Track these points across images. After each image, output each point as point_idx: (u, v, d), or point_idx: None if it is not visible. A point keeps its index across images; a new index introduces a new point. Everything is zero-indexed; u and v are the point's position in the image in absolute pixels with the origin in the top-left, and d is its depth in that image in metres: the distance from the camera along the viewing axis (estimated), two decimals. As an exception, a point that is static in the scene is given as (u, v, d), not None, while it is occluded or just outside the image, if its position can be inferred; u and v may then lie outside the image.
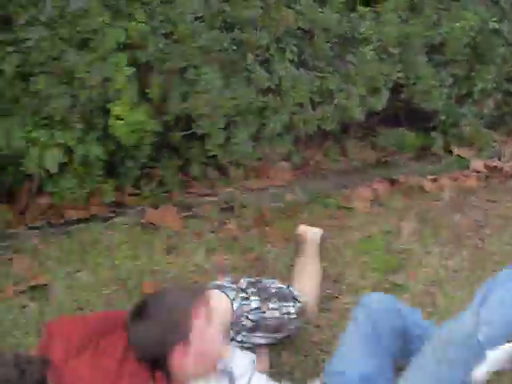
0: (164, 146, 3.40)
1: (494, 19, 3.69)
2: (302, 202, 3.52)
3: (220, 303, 2.26)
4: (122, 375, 1.92)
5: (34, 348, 2.19)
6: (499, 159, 4.03)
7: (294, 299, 2.49)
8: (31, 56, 2.70)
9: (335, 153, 3.88)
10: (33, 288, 2.80)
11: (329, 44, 3.28)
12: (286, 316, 2.43)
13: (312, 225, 3.12)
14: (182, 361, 1.95)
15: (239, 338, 2.32)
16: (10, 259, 2.97)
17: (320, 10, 3.19)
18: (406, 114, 3.89)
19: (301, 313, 2.50)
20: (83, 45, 2.79)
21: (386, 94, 3.53)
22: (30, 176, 3.12)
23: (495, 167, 3.94)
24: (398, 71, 3.47)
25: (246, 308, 2.32)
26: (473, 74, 3.79)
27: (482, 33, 3.70)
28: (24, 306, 2.71)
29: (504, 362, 2.34)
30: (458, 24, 3.44)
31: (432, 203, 3.60)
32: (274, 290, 2.47)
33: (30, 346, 2.42)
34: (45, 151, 2.88)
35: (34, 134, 2.83)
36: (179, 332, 1.93)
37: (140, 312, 2.00)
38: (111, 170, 3.33)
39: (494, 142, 4.12)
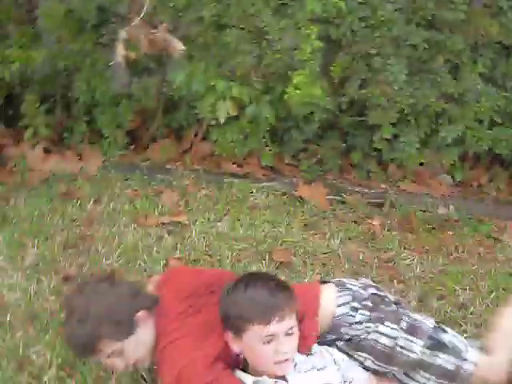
0: (331, 126, 3.43)
1: None
2: (453, 219, 3.41)
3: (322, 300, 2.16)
4: (207, 336, 1.98)
5: (152, 280, 2.33)
6: None
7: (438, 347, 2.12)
8: (229, 8, 2.81)
9: (501, 180, 3.70)
10: (173, 223, 2.97)
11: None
12: (399, 349, 2.09)
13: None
14: (233, 347, 1.98)
15: (340, 345, 2.16)
16: (161, 192, 3.16)
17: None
18: None
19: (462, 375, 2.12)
20: (280, 9, 2.86)
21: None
22: (200, 121, 3.27)
23: None
24: None
25: (348, 319, 2.13)
26: None
27: None
28: (161, 237, 2.88)
29: None
30: None
31: None
32: (406, 320, 2.14)
33: (154, 274, 2.57)
34: (219, 101, 3.00)
35: (213, 83, 2.95)
36: (250, 322, 1.93)
37: (236, 287, 2.03)
38: (276, 135, 3.42)
39: None
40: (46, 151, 3.17)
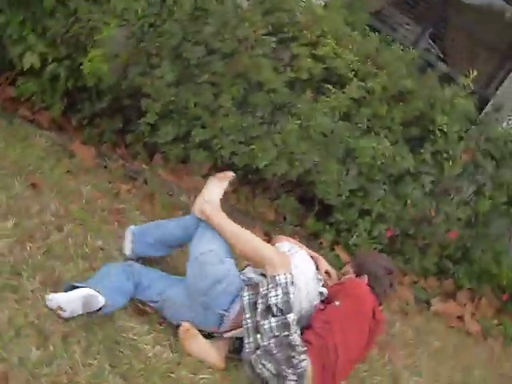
0: (116, 107, 4.24)
1: None
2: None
3: None
4: None
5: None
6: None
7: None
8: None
9: (243, 195, 4.62)
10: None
11: (268, 102, 4.12)
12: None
13: None
14: None
15: None
16: None
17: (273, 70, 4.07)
18: None
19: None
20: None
21: (298, 169, 4.30)
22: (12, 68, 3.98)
23: None
24: None
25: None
26: None
27: None
28: None
29: None
30: None
31: None
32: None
33: None
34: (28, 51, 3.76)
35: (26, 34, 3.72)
36: None
37: None
38: (72, 100, 4.15)
39: None
40: None
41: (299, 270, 3.14)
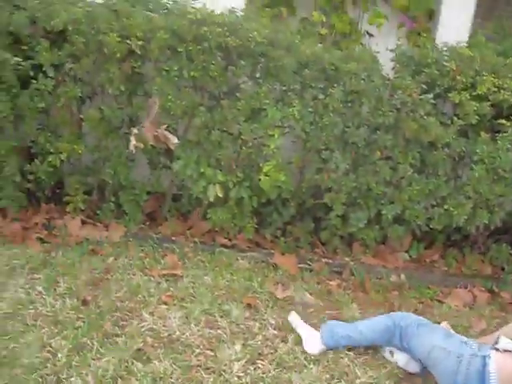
0: (304, 211, 4.36)
1: None
2: (404, 286, 4.19)
3: None
4: None
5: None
6: None
7: None
8: (214, 116, 3.93)
9: (452, 257, 4.49)
10: (170, 275, 3.89)
11: (446, 157, 4.05)
12: None
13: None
14: None
15: None
16: (166, 255, 4.12)
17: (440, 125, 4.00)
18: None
19: None
20: (251, 116, 3.95)
21: (499, 214, 4.13)
22: (200, 203, 4.27)
23: None
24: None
25: None
26: None
27: None
28: (159, 282, 3.81)
29: None
30: None
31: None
32: None
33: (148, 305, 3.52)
34: (209, 184, 4.02)
35: (203, 170, 4.00)
36: None
37: None
38: (259, 216, 4.36)
39: None
40: (83, 222, 4.23)
41: None
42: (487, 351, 3.06)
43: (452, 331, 3.42)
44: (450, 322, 3.64)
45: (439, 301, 4.13)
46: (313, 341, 3.41)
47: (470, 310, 4.09)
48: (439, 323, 3.55)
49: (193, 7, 4.00)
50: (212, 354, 3.25)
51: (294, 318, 3.55)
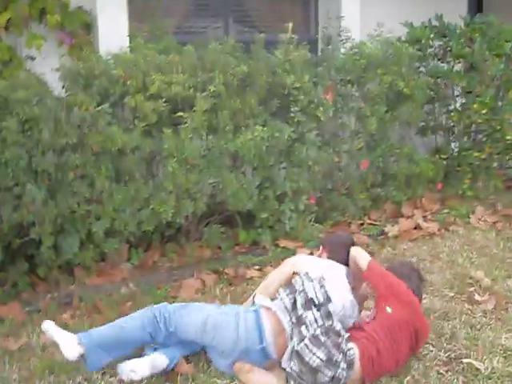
0: (14, 252, 4.13)
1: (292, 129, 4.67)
2: (135, 294, 4.19)
3: None
4: None
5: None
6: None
7: None
8: None
9: (171, 251, 4.64)
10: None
11: (138, 160, 4.15)
12: None
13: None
14: None
15: None
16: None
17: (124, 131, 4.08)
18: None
19: None
20: None
21: (201, 199, 4.33)
22: None
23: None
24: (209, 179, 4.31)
25: None
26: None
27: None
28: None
29: None
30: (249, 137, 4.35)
31: (252, 287, 4.24)
32: None
33: None
34: None
35: None
36: None
37: None
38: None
39: (320, 233, 4.89)
40: None
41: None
42: (255, 307, 3.33)
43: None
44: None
45: (173, 296, 4.20)
46: (69, 344, 3.26)
47: (203, 295, 4.24)
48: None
49: None
50: None
51: (48, 325, 3.35)
